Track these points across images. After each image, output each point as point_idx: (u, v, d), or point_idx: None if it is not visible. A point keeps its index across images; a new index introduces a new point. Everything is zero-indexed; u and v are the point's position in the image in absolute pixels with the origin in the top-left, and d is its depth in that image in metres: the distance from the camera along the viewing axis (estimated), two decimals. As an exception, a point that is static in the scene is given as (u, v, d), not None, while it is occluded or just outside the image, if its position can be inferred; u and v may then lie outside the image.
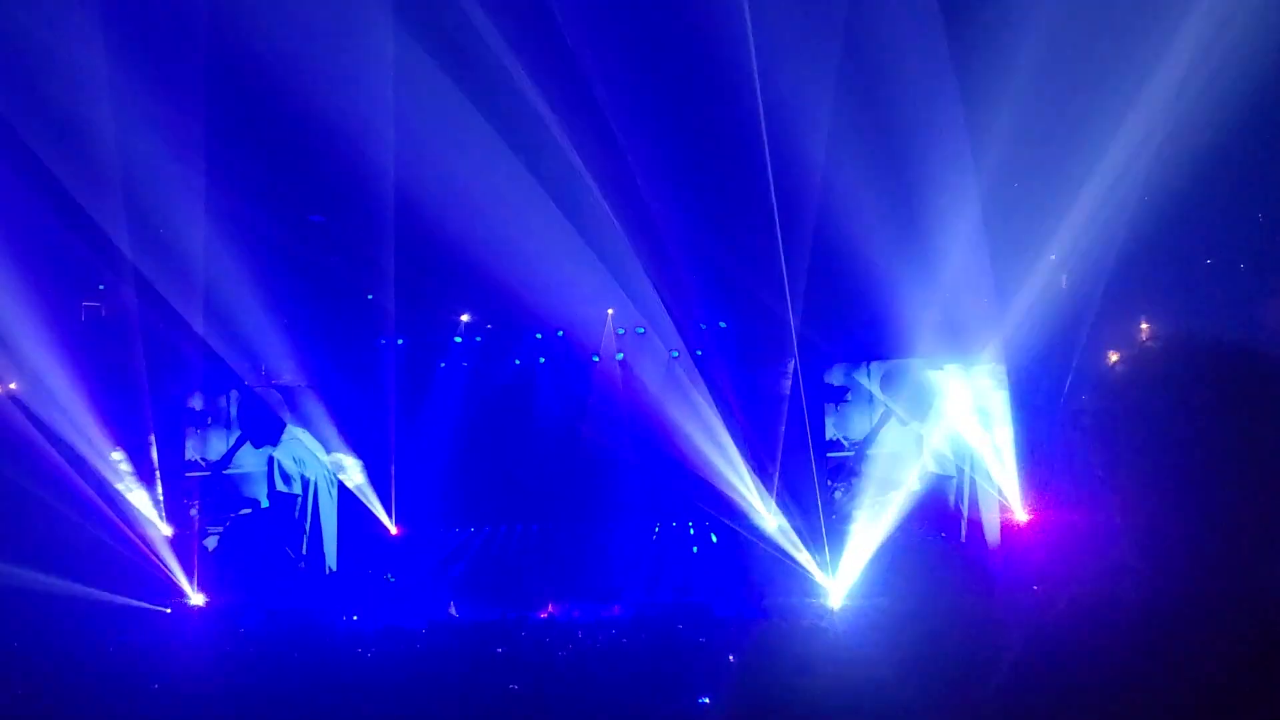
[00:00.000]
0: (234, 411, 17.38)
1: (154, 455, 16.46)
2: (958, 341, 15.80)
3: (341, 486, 17.06)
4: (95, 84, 14.67)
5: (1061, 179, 14.29)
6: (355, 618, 15.70)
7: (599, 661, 12.75)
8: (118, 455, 16.08)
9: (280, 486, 17.19)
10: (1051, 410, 15.24)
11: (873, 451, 16.78)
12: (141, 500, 16.25)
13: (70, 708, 10.48)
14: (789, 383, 16.34)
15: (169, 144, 15.11)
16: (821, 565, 15.51)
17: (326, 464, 17.10)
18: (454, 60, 14.77)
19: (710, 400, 16.40)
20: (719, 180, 15.49)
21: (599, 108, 14.59)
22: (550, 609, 15.36)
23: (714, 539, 16.66)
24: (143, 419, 16.23)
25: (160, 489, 16.47)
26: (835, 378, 17.07)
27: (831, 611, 14.72)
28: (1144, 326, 15.73)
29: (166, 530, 16.29)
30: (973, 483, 15.94)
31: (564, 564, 16.80)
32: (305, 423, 17.17)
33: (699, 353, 16.86)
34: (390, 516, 16.87)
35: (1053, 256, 15.64)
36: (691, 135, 14.98)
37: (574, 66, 14.29)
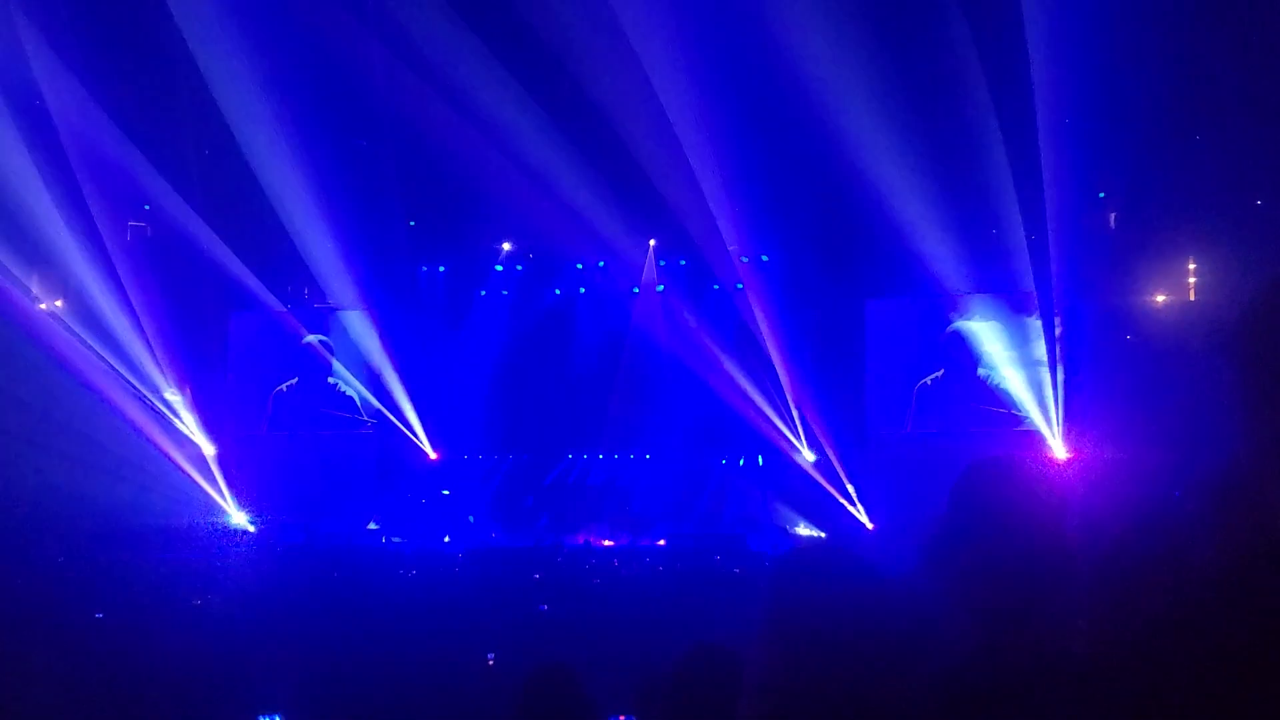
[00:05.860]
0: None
1: (195, 375, 16.63)
2: (1002, 277, 15.59)
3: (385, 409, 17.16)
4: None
5: (1114, 115, 14.01)
6: (396, 539, 15.92)
7: (634, 589, 12.88)
8: (160, 374, 16.25)
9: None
10: (1096, 349, 15.05)
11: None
12: (183, 418, 16.45)
13: (114, 624, 10.72)
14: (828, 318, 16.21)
15: (213, 69, 15.14)
16: (851, 499, 15.53)
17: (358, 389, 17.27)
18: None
19: (751, 334, 16.35)
20: (761, 115, 15.23)
21: (644, 31, 14.38)
22: (586, 536, 15.48)
23: (760, 460, 16.68)
24: (186, 340, 16.37)
25: (201, 408, 16.65)
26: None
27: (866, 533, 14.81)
28: (1191, 266, 15.49)
29: (210, 449, 16.49)
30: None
31: (601, 493, 16.90)
32: (345, 345, 17.31)
33: (739, 286, 16.69)
34: (429, 441, 17.02)
35: (1101, 194, 15.39)
36: (732, 60, 14.70)
37: None
